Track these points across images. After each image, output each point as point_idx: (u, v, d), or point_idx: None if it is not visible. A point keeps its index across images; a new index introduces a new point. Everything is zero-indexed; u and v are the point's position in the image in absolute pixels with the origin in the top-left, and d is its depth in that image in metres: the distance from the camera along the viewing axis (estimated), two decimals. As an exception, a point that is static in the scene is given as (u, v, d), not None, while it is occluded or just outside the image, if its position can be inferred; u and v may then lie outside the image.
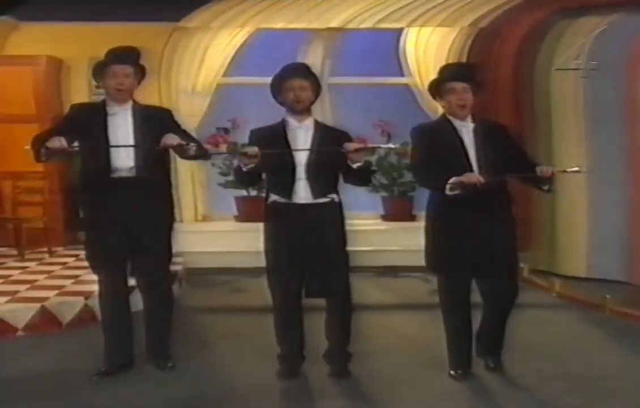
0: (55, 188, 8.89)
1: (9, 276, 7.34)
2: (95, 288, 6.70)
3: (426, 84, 8.72)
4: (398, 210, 8.96)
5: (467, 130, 4.73)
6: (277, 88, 4.85)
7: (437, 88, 4.85)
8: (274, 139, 4.75)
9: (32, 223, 8.52)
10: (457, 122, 4.74)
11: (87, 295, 6.46)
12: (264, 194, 8.73)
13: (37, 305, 6.15)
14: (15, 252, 8.30)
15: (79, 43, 8.96)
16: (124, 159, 4.79)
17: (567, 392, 4.66)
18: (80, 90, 9.28)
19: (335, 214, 4.83)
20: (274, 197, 4.82)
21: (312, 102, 4.88)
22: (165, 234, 5.05)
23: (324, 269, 4.71)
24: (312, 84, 4.84)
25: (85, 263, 7.79)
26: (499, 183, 4.70)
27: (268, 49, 8.90)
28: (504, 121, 5.46)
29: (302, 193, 4.72)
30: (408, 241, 8.35)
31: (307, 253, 4.68)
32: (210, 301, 7.29)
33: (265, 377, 4.87)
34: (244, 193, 8.82)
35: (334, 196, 4.83)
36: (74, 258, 8.25)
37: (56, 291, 6.62)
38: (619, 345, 5.79)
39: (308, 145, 4.75)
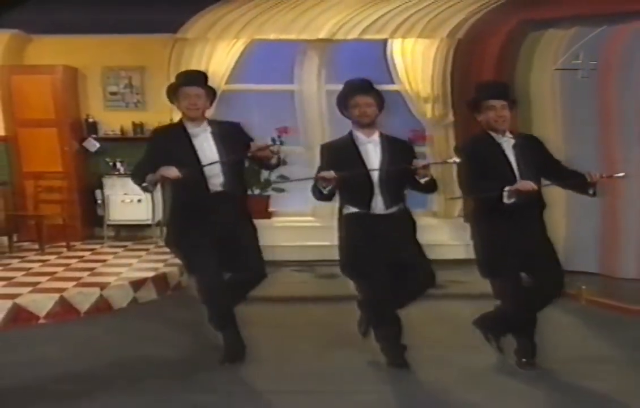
0: (73, 187, 8.96)
1: (31, 268, 7.42)
2: (110, 279, 6.84)
3: (414, 90, 8.90)
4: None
5: (508, 144, 4.73)
6: (344, 104, 4.89)
7: (475, 105, 4.83)
8: (347, 155, 4.77)
9: (52, 219, 8.61)
10: (499, 138, 4.74)
11: (102, 286, 6.55)
12: (267, 193, 8.90)
13: (57, 295, 6.22)
14: (36, 246, 8.39)
15: (90, 54, 9.05)
16: (215, 178, 4.84)
17: (547, 374, 4.73)
18: (95, 96, 9.37)
19: (406, 219, 4.90)
20: (351, 209, 4.82)
21: (377, 116, 4.87)
22: (254, 237, 5.06)
23: (407, 268, 4.78)
24: (376, 99, 4.85)
25: (101, 257, 7.98)
26: (537, 192, 4.71)
27: (268, 58, 8.95)
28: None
29: (379, 205, 4.76)
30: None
31: (389, 257, 4.73)
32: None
33: (268, 356, 4.99)
34: (248, 192, 8.87)
35: (403, 204, 4.90)
36: (90, 252, 8.35)
37: (74, 283, 6.68)
38: (594, 331, 5.88)
39: (378, 159, 4.77)
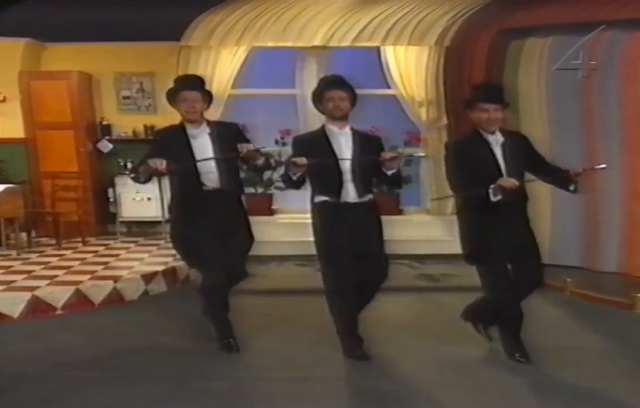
0: (88, 186, 8.95)
1: (49, 262, 7.41)
2: (122, 273, 6.83)
3: (410, 94, 8.88)
4: (387, 205, 8.98)
5: (497, 143, 4.67)
6: (318, 99, 4.85)
7: (469, 105, 4.77)
8: (318, 146, 4.74)
9: (68, 216, 8.59)
10: (488, 136, 4.67)
11: (115, 279, 6.55)
12: (270, 192, 8.89)
13: (73, 288, 6.22)
14: (53, 242, 8.38)
15: (102, 61, 9.05)
16: (210, 175, 4.82)
17: (534, 361, 4.72)
18: (109, 100, 9.35)
19: (375, 210, 4.86)
20: (322, 198, 4.78)
21: (350, 110, 4.84)
22: (245, 231, 5.03)
23: (372, 256, 4.74)
24: (349, 94, 4.81)
25: (114, 252, 7.97)
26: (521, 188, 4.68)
27: (270, 64, 8.94)
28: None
29: (350, 193, 4.73)
30: (396, 232, 8.34)
31: (357, 244, 4.68)
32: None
33: (264, 343, 5.02)
34: (252, 190, 8.87)
35: (371, 195, 4.86)
36: (104, 247, 8.34)
37: (89, 276, 6.69)
38: (577, 321, 5.88)
39: (349, 150, 4.74)
